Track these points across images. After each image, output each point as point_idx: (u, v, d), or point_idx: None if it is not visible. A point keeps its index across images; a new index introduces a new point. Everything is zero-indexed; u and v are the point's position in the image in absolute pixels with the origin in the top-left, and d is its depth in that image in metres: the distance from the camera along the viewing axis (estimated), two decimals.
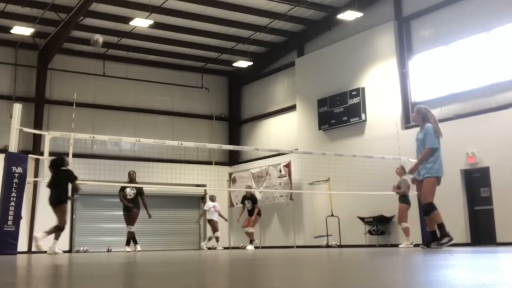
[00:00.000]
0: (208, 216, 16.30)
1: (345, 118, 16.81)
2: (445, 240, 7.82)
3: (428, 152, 8.03)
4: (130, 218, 13.51)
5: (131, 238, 13.48)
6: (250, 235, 15.59)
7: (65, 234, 18.35)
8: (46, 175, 10.05)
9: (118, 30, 18.28)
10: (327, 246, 16.07)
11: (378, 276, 2.89)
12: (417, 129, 8.76)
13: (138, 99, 20.63)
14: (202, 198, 21.21)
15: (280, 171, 18.60)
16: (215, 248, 16.18)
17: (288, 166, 18.40)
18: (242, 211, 16.15)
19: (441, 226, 7.93)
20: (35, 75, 18.88)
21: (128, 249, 13.27)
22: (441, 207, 13.17)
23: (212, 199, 16.55)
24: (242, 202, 16.02)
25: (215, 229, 16.20)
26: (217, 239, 16.18)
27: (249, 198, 15.74)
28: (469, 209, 13.60)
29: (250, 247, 15.24)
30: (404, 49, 15.68)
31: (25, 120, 15.12)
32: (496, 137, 12.99)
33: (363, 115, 16.29)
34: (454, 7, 14.51)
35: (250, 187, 16.63)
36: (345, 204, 16.24)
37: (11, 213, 8.70)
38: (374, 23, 16.48)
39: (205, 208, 16.56)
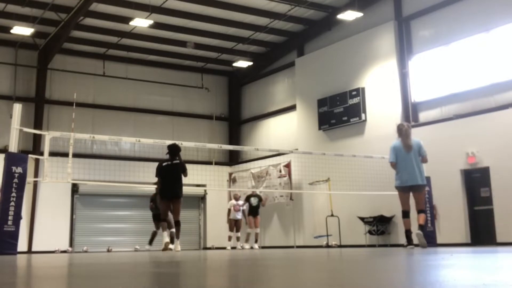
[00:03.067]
0: (230, 216, 16.35)
1: (345, 118, 16.81)
2: (409, 245, 8.91)
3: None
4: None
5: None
6: (257, 235, 15.91)
7: (65, 234, 18.42)
8: (46, 175, 10.04)
9: (118, 30, 18.28)
10: (327, 246, 16.08)
11: (378, 276, 2.89)
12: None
13: (138, 99, 20.63)
14: (202, 198, 21.23)
15: (280, 171, 18.60)
16: (234, 248, 16.14)
17: (288, 166, 18.40)
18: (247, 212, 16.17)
19: (406, 233, 9.02)
20: (35, 75, 18.89)
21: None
22: (441, 207, 13.21)
23: (235, 197, 16.56)
24: (247, 200, 16.04)
25: (231, 228, 16.29)
26: (237, 238, 16.33)
27: (256, 195, 16.01)
28: (469, 209, 13.61)
29: (256, 246, 15.85)
30: (404, 49, 15.68)
31: (25, 120, 15.13)
32: (496, 137, 12.99)
33: (363, 115, 16.29)
34: (454, 7, 14.51)
35: (255, 187, 16.76)
36: (345, 204, 16.24)
37: (11, 213, 8.70)
38: (374, 23, 16.48)
39: (228, 206, 16.58)
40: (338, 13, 16.55)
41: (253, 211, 15.88)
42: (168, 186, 10.14)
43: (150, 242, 14.15)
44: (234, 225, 16.34)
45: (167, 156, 10.33)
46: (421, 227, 8.89)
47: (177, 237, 10.30)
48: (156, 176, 10.39)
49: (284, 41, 19.87)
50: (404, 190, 9.05)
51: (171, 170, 10.15)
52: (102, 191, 18.87)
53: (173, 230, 13.12)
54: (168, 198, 10.20)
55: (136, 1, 16.02)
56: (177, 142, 10.71)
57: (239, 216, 16.28)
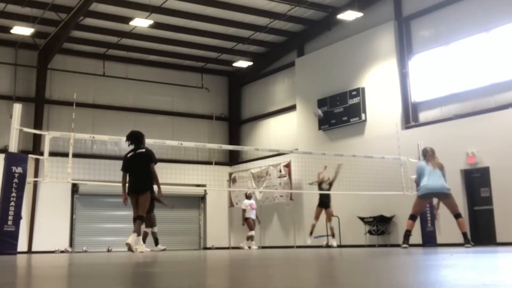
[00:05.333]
0: (246, 215, 16.24)
1: (345, 118, 16.81)
2: (403, 244, 9.76)
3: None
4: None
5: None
6: (332, 229, 14.64)
7: (65, 234, 18.41)
8: (46, 175, 10.04)
9: (118, 30, 18.28)
10: (327, 246, 16.05)
11: (378, 276, 2.89)
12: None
13: (138, 99, 20.63)
14: (202, 198, 21.23)
15: (280, 171, 18.60)
16: (249, 248, 16.07)
17: (288, 166, 18.39)
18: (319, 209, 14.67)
19: (405, 232, 9.79)
20: (35, 75, 18.88)
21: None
22: (441, 207, 13.21)
23: (249, 196, 16.52)
24: (319, 187, 14.68)
25: (250, 227, 16.21)
26: (251, 238, 16.23)
27: (326, 181, 14.57)
28: (469, 209, 13.60)
29: (334, 243, 14.55)
30: (404, 49, 15.68)
31: (25, 120, 15.12)
32: (496, 137, 12.98)
33: (363, 115, 16.29)
34: (454, 7, 14.51)
35: (322, 174, 14.69)
36: (345, 204, 16.22)
37: (11, 213, 8.70)
38: (374, 23, 16.47)
39: (242, 207, 16.49)
40: (338, 13, 16.55)
41: (324, 204, 14.43)
42: (134, 179, 9.10)
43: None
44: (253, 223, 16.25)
45: (131, 147, 9.28)
46: (465, 235, 9.58)
47: (138, 234, 9.06)
48: (121, 169, 9.31)
49: (284, 41, 19.87)
50: (425, 198, 9.89)
51: (136, 161, 9.09)
52: (102, 191, 18.84)
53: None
54: (136, 192, 9.09)
55: (136, 1, 16.02)
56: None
57: (253, 215, 16.26)
